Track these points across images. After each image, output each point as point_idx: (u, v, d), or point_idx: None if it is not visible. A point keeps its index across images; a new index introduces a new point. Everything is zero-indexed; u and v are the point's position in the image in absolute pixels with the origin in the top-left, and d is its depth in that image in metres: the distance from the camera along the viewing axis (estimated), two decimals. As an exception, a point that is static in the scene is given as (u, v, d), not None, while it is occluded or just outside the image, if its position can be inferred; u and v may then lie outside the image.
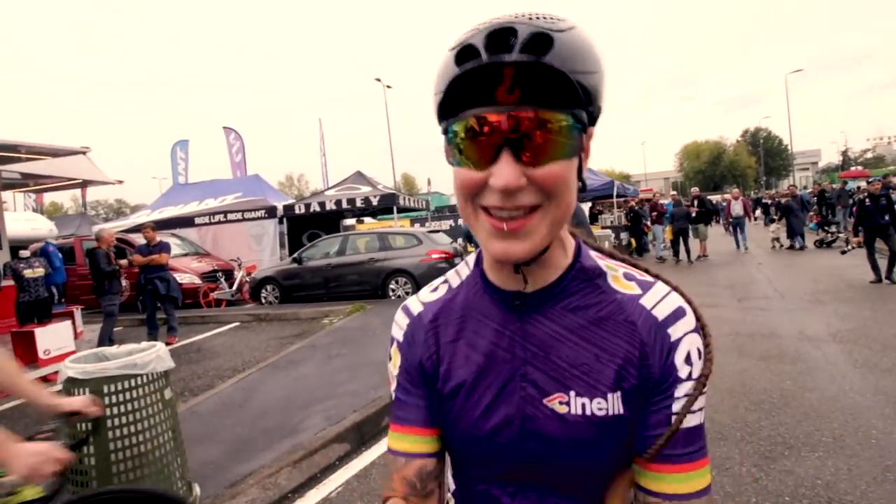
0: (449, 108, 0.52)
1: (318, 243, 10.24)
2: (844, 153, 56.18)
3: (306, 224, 12.57)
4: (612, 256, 0.66)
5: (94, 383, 2.16)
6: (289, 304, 9.39)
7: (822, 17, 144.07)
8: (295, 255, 10.07)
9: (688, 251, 12.12)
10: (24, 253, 6.89)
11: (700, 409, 0.58)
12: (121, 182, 7.97)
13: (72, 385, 2.18)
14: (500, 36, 0.48)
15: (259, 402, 4.13)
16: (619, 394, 0.57)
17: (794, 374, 4.06)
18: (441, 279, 0.73)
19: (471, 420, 0.62)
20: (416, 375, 0.67)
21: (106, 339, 6.41)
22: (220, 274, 10.56)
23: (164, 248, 7.07)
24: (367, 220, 16.47)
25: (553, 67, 0.47)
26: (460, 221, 17.95)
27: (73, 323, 6.85)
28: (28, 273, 6.51)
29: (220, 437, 3.44)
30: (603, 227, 13.91)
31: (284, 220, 11.96)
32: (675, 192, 15.41)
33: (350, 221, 14.50)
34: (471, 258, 0.71)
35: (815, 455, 2.79)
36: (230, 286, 10.51)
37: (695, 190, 13.94)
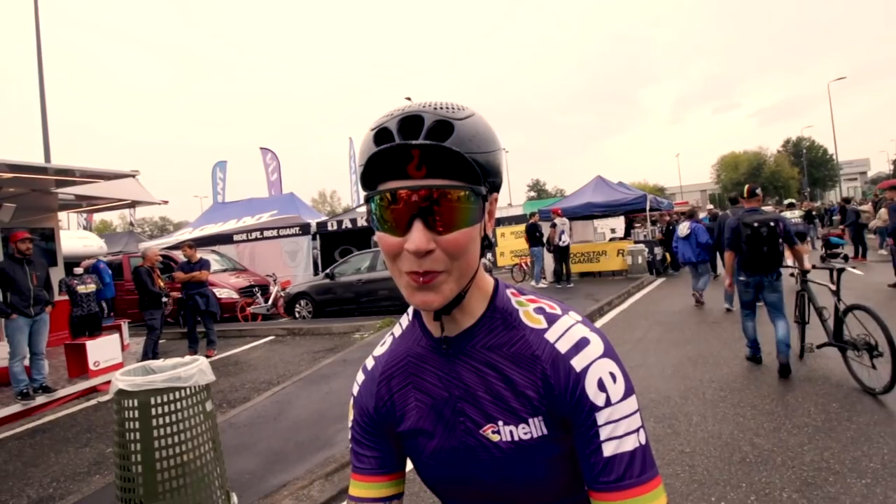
0: (369, 179, 0.61)
1: (350, 259, 10.47)
2: (895, 162, 53.25)
3: (338, 240, 12.88)
4: (526, 293, 0.71)
5: (142, 395, 2.31)
6: (322, 319, 9.61)
7: (860, 22, 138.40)
8: (327, 270, 10.32)
9: (715, 270, 11.70)
10: (78, 270, 7.34)
11: (636, 431, 0.61)
12: (166, 202, 8.41)
13: (122, 396, 2.33)
14: (410, 122, 0.58)
15: (293, 415, 4.24)
16: (539, 418, 0.63)
17: (841, 396, 3.86)
18: (388, 333, 0.81)
19: (427, 455, 0.71)
20: (368, 425, 0.74)
21: (150, 351, 6.73)
22: (256, 289, 10.92)
23: (205, 265, 7.41)
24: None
25: (452, 150, 0.56)
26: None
27: (121, 336, 7.23)
28: (81, 289, 6.94)
29: (257, 449, 3.55)
30: (636, 242, 13.62)
31: (318, 236, 12.30)
32: (712, 206, 14.95)
33: (380, 237, 14.77)
34: (410, 310, 0.77)
35: (861, 482, 2.65)
36: (266, 301, 10.85)
37: (710, 207, 13.50)
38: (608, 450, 0.60)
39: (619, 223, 18.22)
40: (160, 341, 7.09)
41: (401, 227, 0.59)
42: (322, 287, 10.03)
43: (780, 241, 4.50)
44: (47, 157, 10.34)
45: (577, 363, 0.62)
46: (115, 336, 6.55)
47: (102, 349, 6.16)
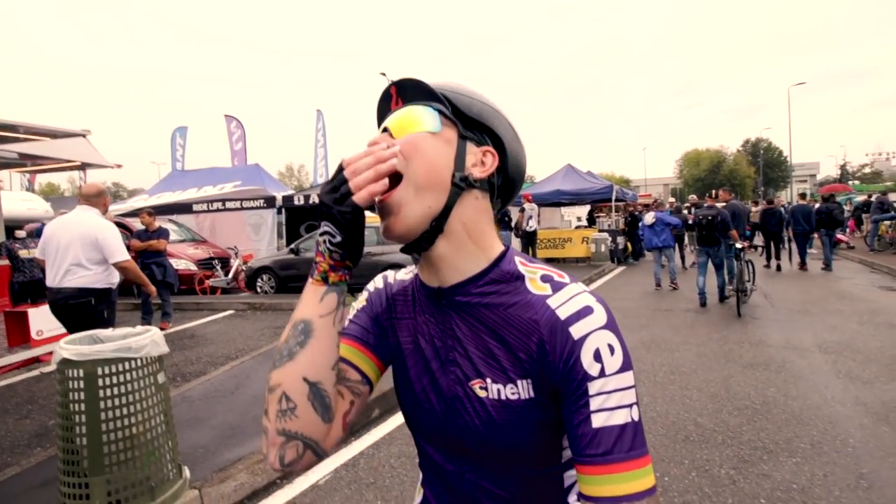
0: (379, 125, 0.73)
1: (316, 234, 10.26)
2: (843, 167, 56.52)
3: (305, 215, 12.57)
4: (536, 262, 0.71)
5: (88, 365, 2.20)
6: (284, 294, 9.42)
7: (827, 31, 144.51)
8: (292, 245, 10.09)
9: (682, 257, 12.22)
10: (20, 233, 6.89)
11: (629, 406, 0.58)
12: (119, 166, 7.95)
13: (66, 366, 2.21)
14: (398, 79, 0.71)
15: (251, 390, 4.17)
16: (528, 381, 0.63)
17: (779, 381, 4.13)
18: (413, 266, 0.80)
19: (411, 393, 0.72)
20: (371, 314, 0.77)
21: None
22: (216, 262, 10.57)
23: (163, 234, 7.08)
24: (367, 213, 16.43)
25: (417, 80, 0.67)
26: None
27: (68, 305, 6.85)
28: (23, 253, 6.51)
29: (212, 423, 3.48)
30: (600, 231, 13.96)
31: (283, 210, 11.97)
32: (673, 199, 15.48)
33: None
34: None
35: (792, 461, 2.86)
36: (226, 274, 10.52)
37: (692, 197, 14.02)
38: (597, 421, 0.57)
39: (585, 211, 18.60)
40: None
41: None
42: (286, 262, 9.81)
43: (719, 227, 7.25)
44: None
45: (576, 331, 0.60)
46: (61, 305, 6.21)
47: (46, 318, 5.81)
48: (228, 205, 12.04)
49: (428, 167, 0.65)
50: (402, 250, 0.69)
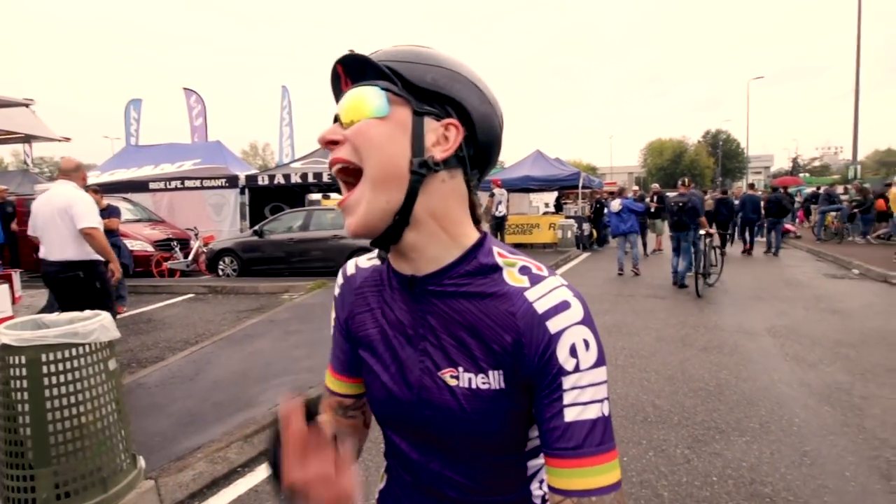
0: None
1: (282, 217, 9.98)
2: (795, 160, 59.46)
3: (270, 196, 12.20)
4: (515, 254, 0.69)
5: (30, 351, 2.06)
6: (247, 278, 9.16)
7: (786, 26, 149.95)
8: (256, 227, 9.78)
9: (644, 244, 12.59)
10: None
11: (601, 401, 0.59)
12: (68, 139, 7.45)
13: (6, 353, 2.07)
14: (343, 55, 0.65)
15: (211, 376, 4.04)
16: (500, 371, 0.62)
17: (731, 364, 4.34)
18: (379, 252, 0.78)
19: (379, 383, 0.70)
20: (340, 329, 0.77)
21: (54, 302, 6.08)
22: (174, 243, 10.14)
23: (114, 212, 6.72)
24: (334, 195, 16.13)
25: (361, 56, 0.61)
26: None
27: (11, 287, 6.45)
28: (-41, 231, 6.05)
29: (169, 410, 3.36)
30: (567, 217, 14.20)
31: (247, 190, 11.57)
32: (637, 188, 15.85)
33: (315, 196, 14.17)
34: None
35: (742, 440, 3.02)
36: (185, 256, 10.12)
37: (655, 186, 14.41)
38: (570, 415, 0.58)
39: (553, 198, 18.84)
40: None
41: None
42: (250, 244, 9.52)
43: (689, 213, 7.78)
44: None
45: (553, 325, 0.59)
46: (4, 287, 5.82)
47: (-14, 300, 5.45)
48: (188, 183, 11.53)
49: (381, 159, 0.59)
50: (371, 244, 0.66)
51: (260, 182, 11.38)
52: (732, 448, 2.92)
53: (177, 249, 10.09)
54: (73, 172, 3.86)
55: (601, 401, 0.59)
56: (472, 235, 0.67)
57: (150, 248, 9.68)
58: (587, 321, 0.60)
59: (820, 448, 2.90)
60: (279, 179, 11.22)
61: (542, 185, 14.94)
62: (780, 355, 4.56)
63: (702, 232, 7.75)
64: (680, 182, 8.68)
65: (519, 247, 13.55)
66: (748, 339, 5.09)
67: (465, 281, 0.65)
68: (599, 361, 0.60)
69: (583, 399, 0.58)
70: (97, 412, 2.19)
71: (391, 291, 0.71)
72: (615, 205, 9.24)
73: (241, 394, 3.60)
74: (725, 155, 57.37)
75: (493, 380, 0.62)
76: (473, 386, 0.63)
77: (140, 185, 11.77)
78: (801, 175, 45.84)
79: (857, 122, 18.18)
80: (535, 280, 0.63)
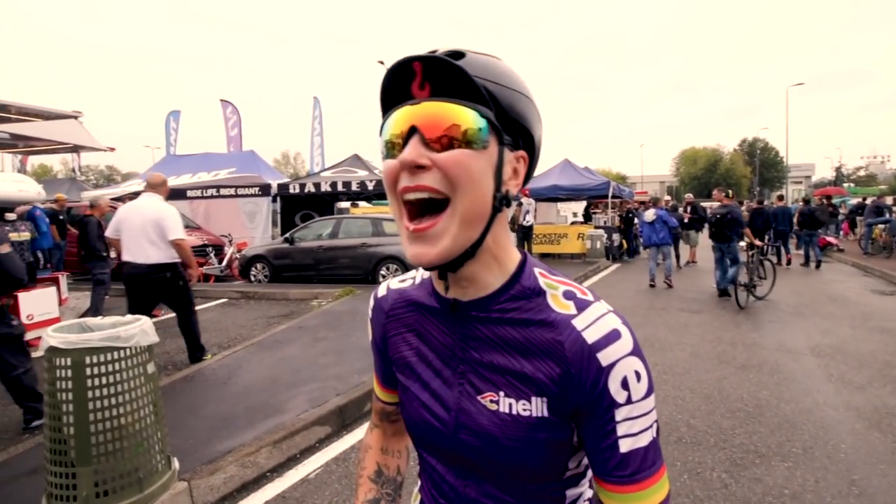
0: (384, 108, 0.60)
1: (311, 224, 10.18)
2: (838, 169, 56.85)
3: (300, 204, 12.47)
4: (556, 274, 0.68)
5: (75, 354, 2.15)
6: (278, 284, 9.36)
7: (826, 32, 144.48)
8: (287, 234, 10.01)
9: (677, 256, 12.23)
10: (11, 216, 6.76)
11: (650, 427, 0.60)
12: (112, 149, 7.83)
13: (53, 354, 2.17)
14: (429, 52, 0.57)
15: (243, 381, 4.13)
16: (544, 399, 0.60)
17: (772, 384, 4.14)
18: (414, 271, 0.77)
19: (416, 404, 0.70)
20: (376, 346, 0.80)
21: (100, 307, 6.37)
22: (209, 249, 10.47)
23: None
24: (363, 204, 16.36)
25: (455, 66, 0.53)
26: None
27: (58, 289, 6.78)
28: (13, 236, 6.40)
29: (202, 413, 3.44)
30: (596, 227, 13.96)
31: (278, 198, 11.86)
32: (669, 198, 15.47)
33: (345, 204, 14.40)
34: None
35: (784, 465, 2.87)
36: (220, 262, 10.43)
37: (688, 196, 14.04)
38: (624, 446, 0.59)
39: (581, 207, 18.57)
40: (107, 297, 6.72)
41: (400, 149, 0.56)
42: (281, 251, 9.74)
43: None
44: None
45: (604, 357, 0.58)
46: (52, 289, 6.12)
47: (37, 302, 5.74)
48: (223, 191, 11.91)
49: (475, 196, 0.56)
50: (427, 268, 0.63)
51: (291, 190, 11.65)
52: (774, 474, 2.77)
53: (212, 255, 10.41)
54: (160, 186, 4.46)
55: (651, 426, 0.60)
56: (515, 257, 0.67)
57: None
58: (637, 351, 0.60)
59: (870, 478, 2.73)
60: (310, 188, 11.47)
61: (570, 195, 14.75)
62: (824, 376, 4.33)
63: (742, 244, 7.70)
64: (716, 191, 8.62)
65: (546, 257, 13.48)
66: (790, 357, 4.86)
67: (511, 306, 0.64)
68: (650, 391, 0.60)
69: (635, 429, 0.59)
70: (136, 414, 2.26)
71: (427, 314, 0.70)
72: (649, 215, 9.08)
73: (270, 399, 3.66)
74: (763, 164, 55.43)
75: (535, 407, 0.61)
76: (514, 412, 0.62)
77: (178, 193, 12.22)
78: (846, 185, 43.81)
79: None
80: (582, 306, 0.62)
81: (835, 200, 18.96)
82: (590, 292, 0.64)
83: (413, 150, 0.55)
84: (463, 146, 0.55)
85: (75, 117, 6.32)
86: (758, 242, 7.94)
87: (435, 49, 0.58)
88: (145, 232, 4.18)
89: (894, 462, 2.88)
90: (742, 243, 7.71)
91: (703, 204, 15.05)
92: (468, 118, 0.55)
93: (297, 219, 12.18)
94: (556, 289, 0.64)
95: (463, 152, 0.55)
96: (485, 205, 0.58)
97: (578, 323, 0.60)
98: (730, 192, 8.50)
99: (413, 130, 0.55)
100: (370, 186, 11.17)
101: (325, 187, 11.34)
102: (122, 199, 7.76)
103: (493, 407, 0.63)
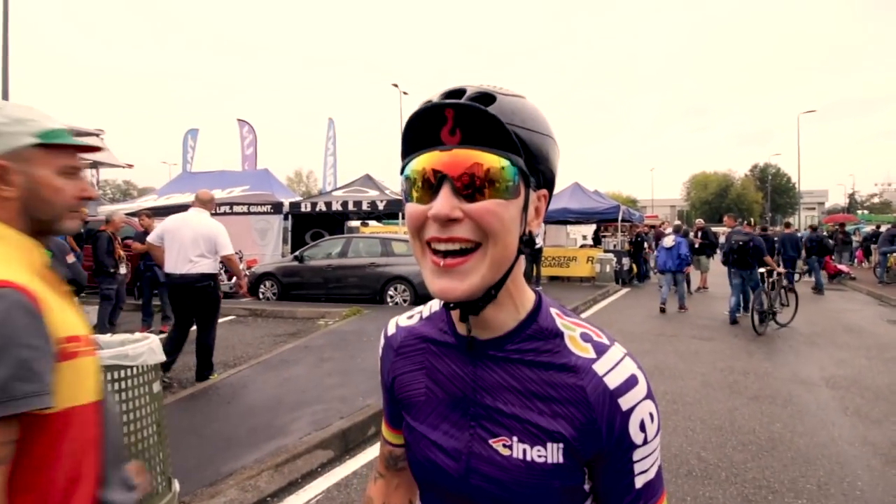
0: (409, 148, 0.58)
1: (321, 243, 10.27)
2: (851, 196, 56.32)
3: (311, 222, 12.61)
4: (571, 315, 0.67)
5: (84, 371, 2.17)
6: (286, 302, 9.39)
7: (837, 58, 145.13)
8: (297, 252, 10.09)
9: (688, 282, 12.09)
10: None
11: (658, 458, 0.64)
12: (131, 166, 8.05)
13: (62, 371, 2.18)
14: (453, 93, 0.56)
15: (248, 400, 4.12)
16: (560, 445, 0.60)
17: (785, 416, 4.04)
18: (420, 308, 0.78)
19: (423, 445, 0.67)
20: (387, 388, 0.77)
21: (106, 322, 6.42)
22: (220, 265, 10.58)
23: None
24: (373, 223, 16.50)
25: (488, 114, 0.53)
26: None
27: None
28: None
29: (205, 433, 3.43)
30: (605, 251, 13.90)
31: (290, 216, 12.01)
32: (679, 222, 15.39)
33: (355, 223, 14.55)
34: None
35: (798, 502, 2.77)
36: (229, 279, 10.52)
37: (699, 221, 13.95)
38: (639, 482, 0.61)
39: (590, 230, 18.54)
40: (121, 312, 6.80)
41: (427, 195, 0.56)
42: (290, 269, 9.80)
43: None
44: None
45: (625, 402, 0.60)
46: (64, 303, 6.22)
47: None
48: (236, 209, 12.08)
49: (506, 242, 0.57)
50: (449, 307, 0.64)
51: (303, 209, 11.80)
52: (788, 512, 2.68)
53: (222, 272, 10.50)
54: (208, 203, 4.87)
55: (658, 458, 0.64)
56: (531, 296, 0.67)
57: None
58: (650, 394, 0.62)
59: (890, 519, 2.63)
60: (321, 207, 11.61)
61: (579, 218, 14.76)
62: (839, 409, 4.21)
63: (762, 270, 7.78)
64: (727, 217, 8.66)
65: (555, 279, 13.40)
66: (804, 389, 4.74)
67: (528, 347, 0.63)
68: (659, 429, 0.63)
69: (648, 465, 0.62)
70: (140, 433, 2.26)
71: (441, 350, 0.69)
72: (668, 240, 9.14)
73: (274, 420, 3.64)
74: (775, 190, 55.18)
75: (550, 453, 0.60)
76: (528, 458, 0.60)
77: (192, 210, 12.44)
78: (859, 212, 43.28)
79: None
80: (600, 350, 0.62)
81: (848, 228, 18.73)
82: (604, 334, 0.65)
83: (446, 203, 0.54)
84: (495, 196, 0.55)
85: (97, 135, 6.53)
86: (780, 270, 8.08)
87: (461, 88, 0.56)
88: (196, 244, 4.53)
89: (914, 503, 2.78)
90: (761, 269, 7.76)
91: (714, 229, 14.94)
92: (501, 168, 0.54)
93: (307, 237, 12.30)
94: (573, 330, 0.64)
95: (496, 203, 0.55)
96: (513, 250, 0.59)
97: (599, 368, 0.61)
98: (751, 220, 8.96)
99: (443, 179, 0.54)
100: (381, 206, 11.27)
101: (337, 206, 11.47)
102: (137, 214, 7.89)
103: (506, 452, 0.61)
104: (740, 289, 7.95)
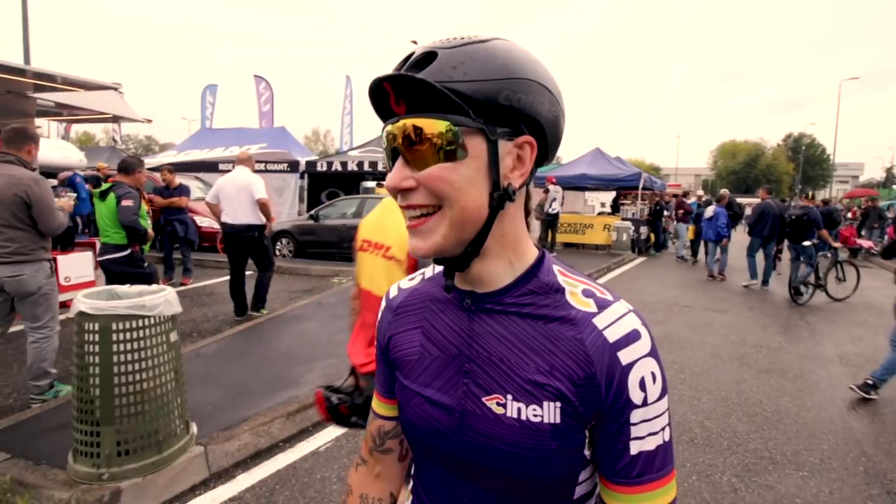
0: (381, 119, 0.61)
1: (337, 203, 10.30)
2: (889, 170, 53.66)
3: (327, 182, 12.61)
4: (576, 273, 0.66)
5: (103, 319, 2.26)
6: (302, 259, 9.55)
7: (885, 23, 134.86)
8: (313, 211, 10.16)
9: (707, 253, 11.87)
10: (53, 182, 7.07)
11: (662, 429, 0.59)
12: (149, 121, 8.02)
13: (83, 319, 2.28)
14: (405, 60, 0.56)
15: (262, 352, 4.26)
16: (557, 404, 0.58)
17: (794, 391, 4.02)
18: (421, 270, 0.77)
19: (416, 402, 0.67)
20: (381, 352, 0.76)
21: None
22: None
23: (184, 191, 7.21)
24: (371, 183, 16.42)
25: (415, 78, 0.53)
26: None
27: (94, 253, 7.10)
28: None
29: (222, 382, 3.58)
30: (623, 219, 13.65)
31: (306, 175, 12.02)
32: (702, 192, 14.95)
33: (370, 184, 14.49)
34: None
35: (799, 474, 2.80)
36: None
37: (724, 191, 13.55)
38: (635, 448, 0.58)
39: (610, 197, 18.17)
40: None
41: (390, 166, 0.59)
42: (306, 228, 9.90)
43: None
44: (27, 61, 9.73)
45: (624, 357, 0.57)
46: (88, 253, 6.40)
47: (74, 265, 6.04)
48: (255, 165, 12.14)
49: (462, 203, 0.56)
50: (435, 262, 0.64)
51: (319, 168, 11.78)
52: (786, 482, 2.71)
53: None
54: (247, 161, 5.43)
55: (663, 428, 0.59)
56: (532, 252, 0.65)
57: (216, 226, 10.30)
58: (654, 352, 0.59)
59: (891, 492, 2.64)
60: (337, 166, 11.57)
61: (598, 185, 14.43)
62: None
63: (806, 243, 7.76)
64: (804, 195, 8.82)
65: (570, 247, 13.28)
66: (816, 364, 4.69)
67: (527, 301, 0.62)
68: (664, 392, 0.59)
69: (648, 431, 0.58)
70: (157, 379, 2.37)
71: (439, 306, 0.68)
72: (709, 211, 9.61)
73: (287, 372, 3.77)
74: (808, 161, 52.85)
75: (546, 412, 0.58)
76: (523, 417, 0.59)
77: (211, 166, 12.53)
78: (894, 187, 41.37)
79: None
80: (602, 305, 0.60)
81: (882, 204, 17.97)
82: (609, 291, 0.63)
83: (397, 175, 0.57)
84: (441, 160, 0.55)
85: (115, 88, 6.50)
86: (835, 244, 8.06)
87: (411, 54, 0.56)
88: (239, 197, 5.10)
89: (917, 480, 2.78)
90: (806, 243, 7.72)
91: (739, 200, 14.48)
92: (440, 131, 0.54)
93: (323, 196, 12.33)
94: (575, 287, 0.62)
95: (442, 167, 0.55)
96: (477, 209, 0.57)
97: (599, 321, 0.59)
98: (808, 192, 8.76)
99: (397, 152, 0.57)
100: (396, 167, 11.17)
101: (352, 166, 11.42)
102: (158, 169, 7.98)
103: (500, 411, 0.60)
104: (797, 263, 7.83)
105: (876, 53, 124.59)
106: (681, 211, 12.75)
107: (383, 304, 0.77)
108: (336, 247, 9.57)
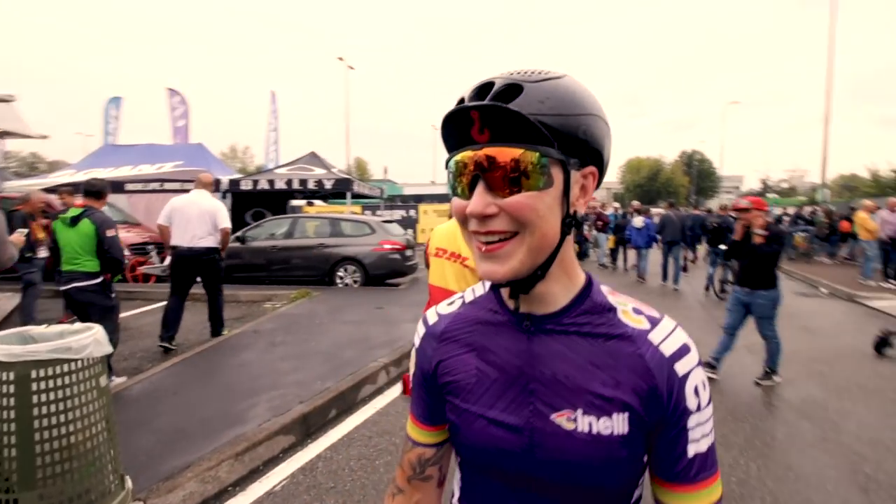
0: (448, 146, 0.62)
1: (265, 223, 9.83)
2: (764, 181, 61.76)
3: (252, 201, 11.98)
4: (620, 294, 0.71)
5: (20, 367, 1.97)
6: (228, 285, 8.89)
7: (757, 54, 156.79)
8: (238, 233, 9.59)
9: (625, 260, 12.87)
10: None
11: (712, 430, 0.66)
12: (45, 137, 7.20)
13: (-7, 368, 1.97)
14: (483, 88, 0.59)
15: (197, 389, 3.92)
16: (626, 415, 0.62)
17: (710, 381, 4.44)
18: (458, 295, 0.78)
19: (478, 426, 0.67)
20: (423, 379, 0.75)
21: (32, 312, 5.79)
22: (151, 247, 9.86)
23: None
24: (318, 203, 15.97)
25: (510, 110, 0.55)
26: (412, 212, 17.81)
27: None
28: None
29: (154, 426, 3.24)
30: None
31: (229, 194, 11.33)
32: (617, 204, 16.19)
33: (299, 202, 14.00)
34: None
35: (730, 455, 3.08)
36: (162, 261, 9.83)
37: (635, 203, 14.75)
38: (692, 450, 0.63)
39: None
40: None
41: (467, 191, 0.60)
42: (232, 250, 9.27)
43: None
44: None
45: (680, 368, 0.63)
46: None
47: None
48: (167, 185, 11.18)
49: (543, 230, 0.59)
50: (502, 286, 0.66)
51: (243, 187, 11.16)
52: (721, 463, 2.98)
53: (153, 254, 9.81)
54: (208, 184, 5.56)
55: (712, 430, 0.65)
56: (581, 274, 0.69)
57: (126, 252, 9.37)
58: (700, 362, 0.66)
59: (802, 463, 3.00)
60: (263, 185, 11.05)
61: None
62: (757, 371, 4.70)
63: (722, 246, 9.17)
64: (666, 203, 9.85)
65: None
66: (729, 355, 5.22)
67: (584, 320, 0.65)
68: (710, 398, 0.66)
69: (701, 433, 0.64)
70: (87, 431, 2.10)
71: (491, 329, 0.69)
72: (638, 221, 10.70)
73: (229, 409, 3.51)
74: (699, 174, 59.33)
75: (616, 423, 0.62)
76: (594, 431, 0.61)
77: (116, 186, 11.34)
78: (770, 196, 47.61)
79: (827, 149, 19.08)
80: (654, 321, 0.66)
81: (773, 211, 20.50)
82: (654, 309, 0.69)
83: (480, 201, 0.58)
84: (528, 188, 0.57)
85: (7, 100, 5.76)
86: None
87: (490, 81, 0.59)
88: (203, 221, 5.14)
89: (823, 448, 3.20)
90: (722, 246, 8.81)
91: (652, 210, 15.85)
92: (530, 161, 0.57)
93: (247, 217, 11.70)
94: (625, 305, 0.67)
95: (528, 195, 0.58)
96: (553, 235, 0.61)
97: (654, 337, 0.64)
98: (695, 203, 10.16)
99: (477, 177, 0.58)
100: (328, 185, 10.90)
101: (280, 184, 10.95)
102: (55, 190, 7.11)
103: (570, 426, 0.62)
104: (716, 264, 8.97)
105: (751, 81, 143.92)
106: (600, 222, 13.71)
107: (422, 329, 0.77)
108: (265, 270, 9.10)
